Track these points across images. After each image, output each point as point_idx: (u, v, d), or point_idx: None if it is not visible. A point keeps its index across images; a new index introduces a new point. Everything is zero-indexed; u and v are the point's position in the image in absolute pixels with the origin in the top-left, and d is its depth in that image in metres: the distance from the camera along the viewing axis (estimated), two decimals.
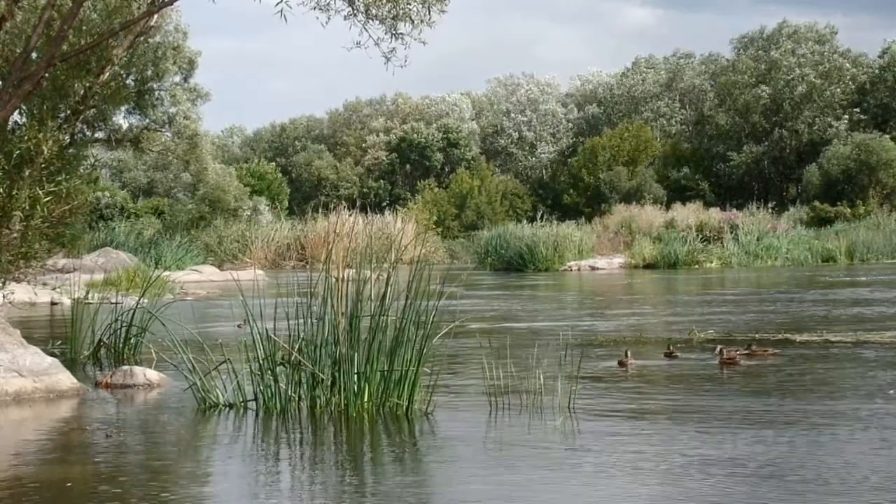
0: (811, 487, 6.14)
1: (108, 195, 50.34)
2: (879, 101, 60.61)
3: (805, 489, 6.10)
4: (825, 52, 61.65)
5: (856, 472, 6.42)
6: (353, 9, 11.85)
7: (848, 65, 61.57)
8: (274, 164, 65.04)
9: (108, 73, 14.68)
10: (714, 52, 72.37)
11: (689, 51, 73.91)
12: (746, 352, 11.51)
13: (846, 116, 59.06)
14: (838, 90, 60.05)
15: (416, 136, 72.65)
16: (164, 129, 36.15)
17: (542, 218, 41.48)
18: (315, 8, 11.75)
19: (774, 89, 60.26)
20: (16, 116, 12.77)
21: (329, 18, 11.84)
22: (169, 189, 52.88)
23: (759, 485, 6.22)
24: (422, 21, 11.72)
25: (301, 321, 8.83)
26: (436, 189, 63.53)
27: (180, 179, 46.59)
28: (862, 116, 59.20)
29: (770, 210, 46.21)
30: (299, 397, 8.81)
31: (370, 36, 11.98)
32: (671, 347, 11.86)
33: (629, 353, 11.35)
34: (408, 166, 72.67)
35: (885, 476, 6.33)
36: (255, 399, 8.91)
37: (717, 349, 11.26)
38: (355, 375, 8.73)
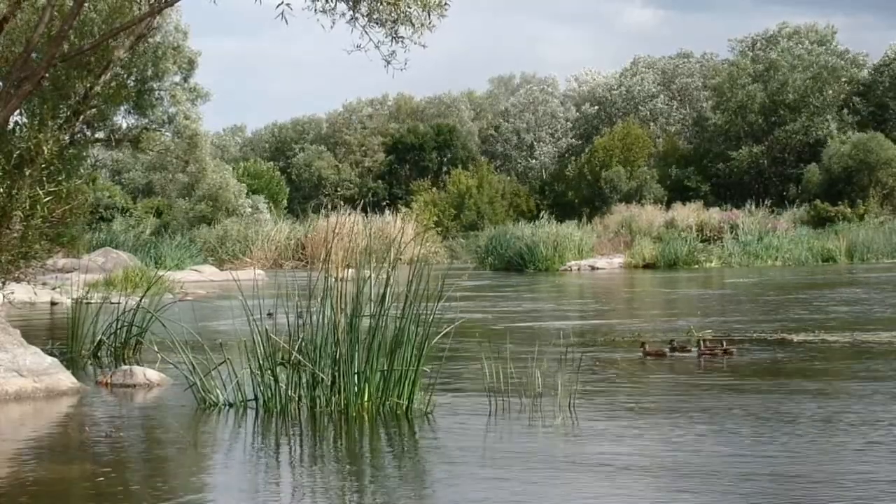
0: (809, 484, 6.16)
1: (109, 195, 50.33)
2: (880, 101, 60.54)
3: (802, 487, 6.12)
4: (822, 53, 61.56)
5: (858, 473, 6.44)
6: (354, 12, 11.86)
7: (846, 65, 61.48)
8: (272, 163, 64.93)
9: (108, 74, 14.70)
10: (708, 51, 72.31)
11: (689, 51, 73.78)
12: (706, 349, 11.91)
13: (843, 119, 58.95)
14: (838, 91, 59.97)
15: (410, 136, 72.55)
16: (163, 129, 36.13)
17: (540, 216, 41.37)
18: (318, 12, 11.76)
19: (771, 89, 60.18)
20: (16, 116, 12.78)
21: (334, 23, 11.86)
22: (168, 189, 52.85)
23: (758, 483, 6.23)
24: (422, 25, 11.72)
25: (301, 321, 8.85)
26: (433, 189, 63.41)
27: (179, 180, 46.54)
28: (859, 115, 59.07)
29: (768, 209, 46.16)
30: (299, 397, 8.82)
31: (371, 39, 11.99)
32: (675, 343, 12.23)
33: (646, 345, 11.96)
34: (407, 167, 72.63)
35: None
36: (255, 399, 8.92)
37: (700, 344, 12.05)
38: (355, 375, 8.74)
